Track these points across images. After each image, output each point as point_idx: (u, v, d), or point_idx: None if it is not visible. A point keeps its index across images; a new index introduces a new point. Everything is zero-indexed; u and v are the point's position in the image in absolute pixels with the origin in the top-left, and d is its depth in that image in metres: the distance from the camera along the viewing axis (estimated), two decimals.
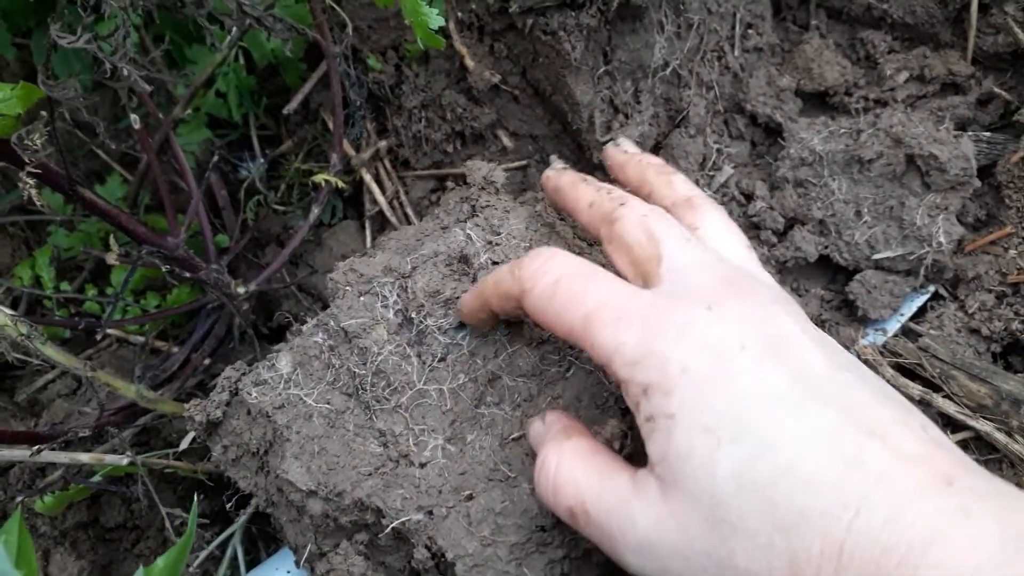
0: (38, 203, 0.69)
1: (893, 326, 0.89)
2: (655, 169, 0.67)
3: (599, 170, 0.95)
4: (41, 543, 0.86)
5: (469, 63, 0.94)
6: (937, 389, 0.82)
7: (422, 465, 0.60)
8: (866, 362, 0.85)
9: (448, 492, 0.59)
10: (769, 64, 0.97)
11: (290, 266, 1.02)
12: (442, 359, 0.63)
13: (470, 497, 0.59)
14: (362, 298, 0.65)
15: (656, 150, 0.95)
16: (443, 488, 0.59)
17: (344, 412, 0.63)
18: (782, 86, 0.95)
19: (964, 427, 0.80)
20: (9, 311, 0.65)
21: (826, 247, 0.90)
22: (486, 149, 1.01)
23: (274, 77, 1.06)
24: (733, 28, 0.94)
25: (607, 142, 0.90)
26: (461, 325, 0.63)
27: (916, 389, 0.81)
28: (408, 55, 0.97)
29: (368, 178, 1.01)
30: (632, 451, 0.58)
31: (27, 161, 0.67)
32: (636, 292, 0.49)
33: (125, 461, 0.76)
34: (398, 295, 0.65)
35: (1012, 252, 0.88)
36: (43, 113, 0.69)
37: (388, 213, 1.00)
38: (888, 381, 0.82)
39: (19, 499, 0.80)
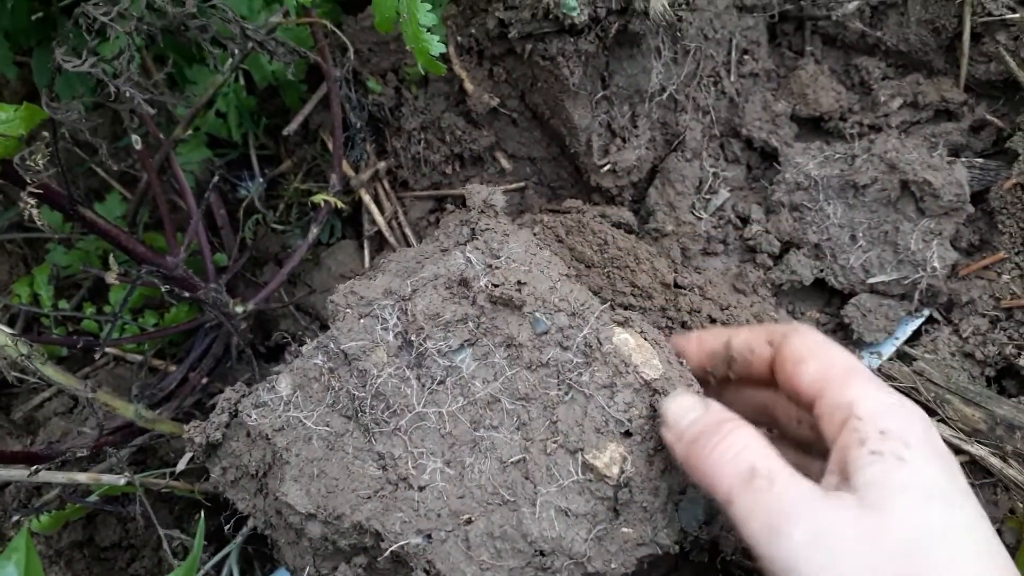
0: (38, 222, 0.69)
1: (888, 349, 0.89)
2: None
3: (596, 192, 0.96)
4: None
5: (468, 86, 0.95)
6: (932, 413, 0.82)
7: (421, 488, 0.60)
8: None
9: (447, 516, 0.59)
10: (765, 89, 0.98)
11: (288, 285, 1.02)
12: (441, 382, 0.63)
13: (469, 521, 0.59)
14: (362, 320, 0.65)
15: (653, 174, 0.96)
16: (442, 512, 0.59)
17: (343, 435, 0.63)
18: (777, 111, 0.96)
19: (959, 451, 0.80)
20: (8, 330, 0.65)
21: (821, 271, 0.90)
22: (484, 171, 1.02)
23: (274, 98, 1.07)
24: (729, 54, 0.95)
25: (604, 166, 0.91)
26: (460, 347, 0.64)
27: None
28: (408, 78, 0.98)
29: (367, 199, 1.01)
30: (632, 475, 0.58)
31: (29, 181, 0.67)
32: None
33: (123, 481, 0.76)
34: (398, 318, 0.65)
35: (1005, 277, 0.88)
36: (45, 134, 0.70)
37: (387, 233, 1.01)
38: None
39: (15, 518, 0.80)
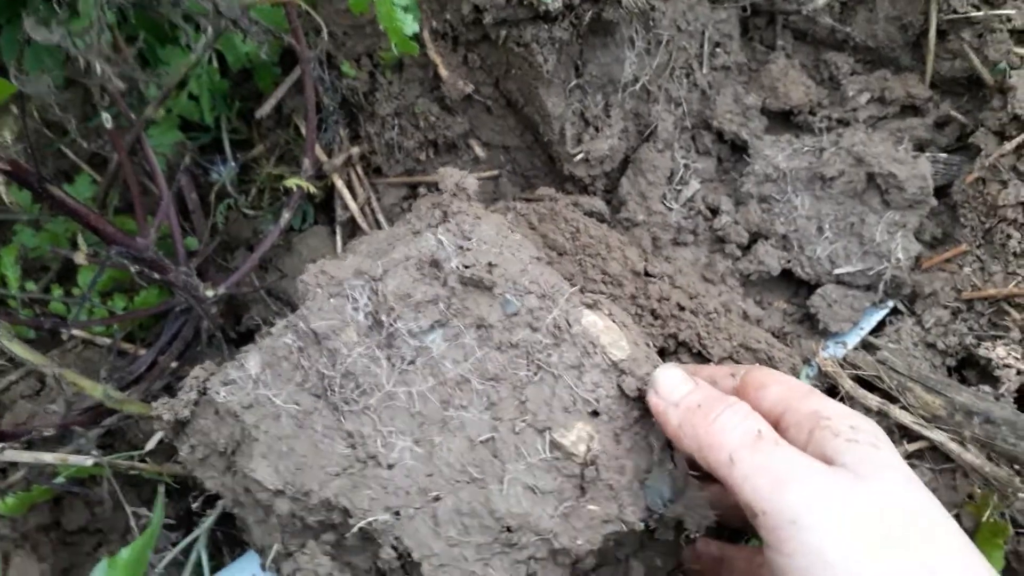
0: (7, 200, 0.69)
1: (853, 339, 0.91)
2: None
3: (569, 181, 0.96)
4: (1, 546, 0.85)
5: (443, 72, 0.95)
6: (894, 400, 0.84)
7: (390, 466, 0.61)
8: (826, 374, 0.87)
9: (415, 493, 0.60)
10: (736, 82, 1.00)
11: (260, 270, 1.02)
12: (411, 362, 0.63)
13: (437, 498, 0.59)
14: (332, 300, 0.65)
15: (625, 164, 0.97)
16: (410, 489, 0.60)
17: (312, 413, 0.63)
18: (748, 104, 0.97)
19: (919, 437, 0.82)
20: None
21: (789, 261, 0.92)
22: (458, 158, 1.02)
23: (247, 81, 1.06)
24: (702, 46, 0.96)
25: (577, 155, 0.92)
26: (431, 328, 0.64)
27: (874, 400, 0.84)
28: (383, 62, 0.98)
29: (340, 184, 1.01)
30: (599, 453, 0.59)
31: None
32: None
33: (90, 462, 0.75)
34: (368, 298, 0.65)
35: (967, 269, 0.90)
36: (13, 108, 0.69)
37: (360, 219, 1.01)
38: (847, 392, 0.84)
39: None
